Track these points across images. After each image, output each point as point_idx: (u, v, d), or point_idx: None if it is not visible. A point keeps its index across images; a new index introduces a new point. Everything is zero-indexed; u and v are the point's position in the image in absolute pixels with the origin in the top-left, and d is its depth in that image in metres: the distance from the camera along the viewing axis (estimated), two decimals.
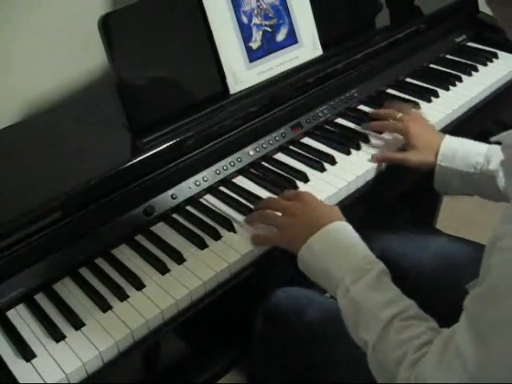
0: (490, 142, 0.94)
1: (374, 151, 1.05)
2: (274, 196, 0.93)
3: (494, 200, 0.95)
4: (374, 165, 1.02)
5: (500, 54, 1.37)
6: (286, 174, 1.00)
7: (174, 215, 0.93)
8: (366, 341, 0.68)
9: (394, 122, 1.06)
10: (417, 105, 1.18)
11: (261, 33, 1.04)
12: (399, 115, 1.05)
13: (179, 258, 0.84)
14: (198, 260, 0.84)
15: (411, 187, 1.40)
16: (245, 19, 1.02)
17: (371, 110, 1.17)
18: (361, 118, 1.15)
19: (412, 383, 0.60)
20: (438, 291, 0.93)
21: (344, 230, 0.79)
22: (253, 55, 1.03)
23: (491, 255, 0.57)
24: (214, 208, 0.94)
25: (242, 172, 1.01)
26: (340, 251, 0.76)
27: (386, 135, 1.09)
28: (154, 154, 0.90)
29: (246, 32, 1.02)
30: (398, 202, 1.57)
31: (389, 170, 1.04)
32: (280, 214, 0.86)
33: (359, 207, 1.08)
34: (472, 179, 0.94)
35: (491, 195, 0.94)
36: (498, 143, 0.68)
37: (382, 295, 0.70)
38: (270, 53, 1.06)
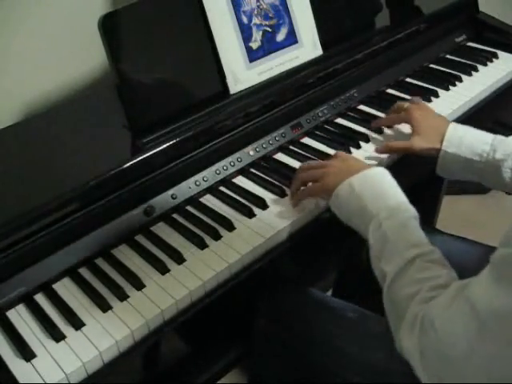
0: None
1: (374, 151, 1.05)
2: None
3: (496, 189, 0.96)
4: (374, 165, 1.01)
5: (500, 54, 1.37)
6: (286, 174, 1.00)
7: (174, 215, 0.93)
8: (386, 273, 0.70)
9: (398, 114, 1.07)
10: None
11: (261, 33, 1.04)
12: (406, 105, 1.06)
13: (179, 258, 0.84)
14: (197, 260, 0.84)
15: (411, 187, 1.40)
16: (245, 19, 1.02)
17: (371, 110, 1.18)
18: (360, 118, 1.15)
19: (419, 320, 0.61)
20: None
21: (385, 175, 0.81)
22: (253, 55, 1.03)
23: None
24: (214, 208, 0.94)
25: (242, 172, 1.01)
26: (378, 191, 0.78)
27: (387, 133, 1.09)
28: (154, 153, 0.90)
29: (245, 32, 1.02)
30: None
31: (389, 170, 1.04)
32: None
33: None
34: (476, 167, 0.93)
35: (494, 184, 0.94)
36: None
37: (411, 235, 0.72)
38: (270, 53, 1.06)
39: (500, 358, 0.54)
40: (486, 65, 1.34)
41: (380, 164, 1.02)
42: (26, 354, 0.71)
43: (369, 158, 1.03)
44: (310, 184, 0.89)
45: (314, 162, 0.93)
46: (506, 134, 0.95)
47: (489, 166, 0.92)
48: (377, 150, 1.02)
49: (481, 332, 0.55)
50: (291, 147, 1.08)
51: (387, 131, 1.10)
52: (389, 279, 0.69)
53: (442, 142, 0.95)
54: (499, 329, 0.54)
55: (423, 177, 1.38)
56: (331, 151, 1.05)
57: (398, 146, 1.01)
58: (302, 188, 0.90)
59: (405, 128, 1.09)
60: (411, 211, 0.76)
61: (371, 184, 0.79)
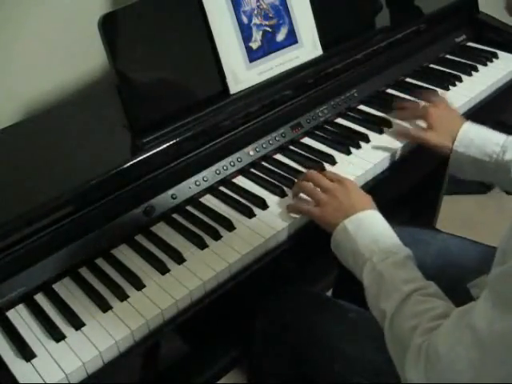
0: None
1: (374, 151, 1.05)
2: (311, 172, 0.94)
3: (510, 190, 0.96)
4: (374, 164, 1.01)
5: (500, 54, 1.37)
6: (286, 174, 1.00)
7: (174, 215, 0.93)
8: (385, 311, 0.70)
9: (415, 109, 1.09)
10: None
11: (261, 33, 1.04)
12: (423, 103, 1.08)
13: (179, 258, 0.84)
14: (197, 260, 0.84)
15: (411, 187, 1.40)
16: (245, 19, 1.02)
17: (371, 110, 1.18)
18: (360, 118, 1.15)
19: (423, 351, 0.61)
20: (441, 289, 0.93)
21: (376, 218, 0.83)
22: (253, 55, 1.03)
23: None
24: (214, 208, 0.93)
25: (242, 172, 1.01)
26: (371, 235, 0.79)
27: (386, 136, 1.09)
28: (154, 153, 0.90)
29: (245, 32, 1.02)
30: (398, 202, 1.57)
31: (389, 170, 1.05)
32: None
33: None
34: (487, 168, 0.94)
35: (507, 186, 0.95)
36: None
37: (406, 273, 0.73)
38: (270, 53, 1.06)
39: (507, 381, 0.54)
40: (485, 65, 1.34)
41: (379, 166, 1.02)
42: (26, 353, 0.71)
43: (368, 159, 1.03)
44: (305, 205, 0.90)
45: (321, 177, 0.91)
46: (507, 134, 0.95)
47: (499, 167, 0.92)
48: (397, 132, 1.05)
49: (485, 358, 0.55)
50: (291, 147, 1.08)
51: (387, 131, 1.10)
52: (389, 315, 0.69)
53: (454, 140, 0.97)
54: (503, 352, 0.54)
55: (423, 177, 1.38)
56: (331, 151, 1.05)
57: (417, 134, 1.03)
58: (301, 202, 0.91)
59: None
60: (404, 251, 0.77)
61: (364, 227, 0.80)
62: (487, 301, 0.56)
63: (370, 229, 0.80)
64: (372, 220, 0.82)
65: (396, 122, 1.11)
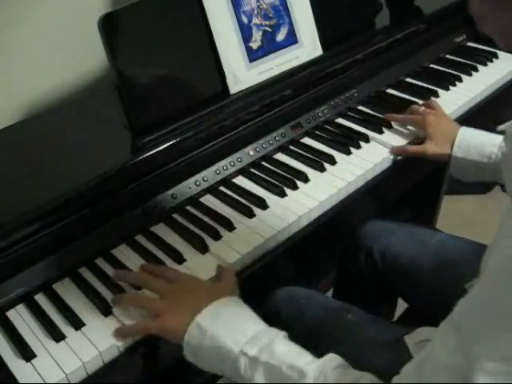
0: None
1: (374, 151, 1.05)
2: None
3: None
4: (374, 164, 1.02)
5: (500, 54, 1.37)
6: (285, 174, 1.00)
7: (174, 215, 0.93)
8: None
9: (412, 115, 1.10)
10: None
11: (261, 33, 1.04)
12: (421, 109, 1.10)
13: (179, 258, 0.84)
14: (198, 260, 0.84)
15: (411, 187, 1.40)
16: (245, 19, 1.02)
17: (371, 110, 1.18)
18: (360, 118, 1.15)
19: None
20: (437, 290, 0.94)
21: (228, 305, 0.71)
22: (253, 55, 1.03)
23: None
24: (214, 208, 0.93)
25: (242, 172, 1.01)
26: (232, 326, 0.67)
27: (386, 136, 1.09)
28: (154, 153, 0.90)
29: (246, 32, 1.02)
30: (398, 202, 1.57)
31: (389, 170, 1.05)
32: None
33: (359, 206, 1.08)
34: (487, 169, 0.97)
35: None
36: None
37: (299, 355, 0.65)
38: (270, 53, 1.06)
39: None
40: (485, 65, 1.34)
41: (379, 167, 1.03)
42: (26, 353, 0.71)
43: (379, 148, 1.05)
44: (138, 322, 0.74)
45: (154, 280, 0.76)
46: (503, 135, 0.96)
47: (499, 167, 0.93)
48: (392, 151, 1.05)
49: None
50: (291, 147, 1.08)
51: (387, 131, 1.11)
52: None
53: (452, 146, 0.99)
54: None
55: (423, 177, 1.38)
56: (331, 151, 1.05)
57: (412, 149, 1.04)
58: (131, 323, 0.74)
59: (405, 130, 1.10)
60: (277, 332, 0.67)
61: (222, 320, 0.68)
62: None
63: (227, 319, 0.68)
64: (226, 309, 0.70)
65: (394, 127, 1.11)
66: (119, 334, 0.73)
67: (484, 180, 1.00)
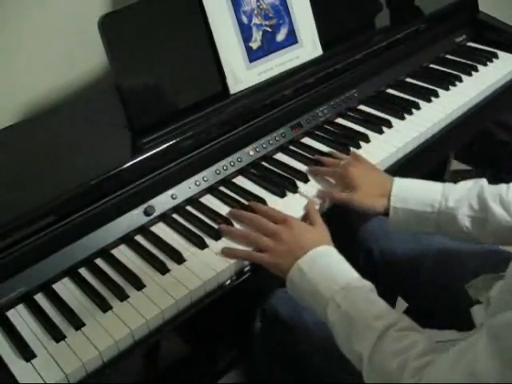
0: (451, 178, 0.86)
1: (374, 151, 1.05)
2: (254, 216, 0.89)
3: (458, 238, 0.90)
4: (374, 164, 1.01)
5: (500, 54, 1.37)
6: (285, 174, 1.00)
7: (174, 215, 0.93)
8: (361, 353, 0.67)
9: (333, 168, 0.99)
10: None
11: (261, 33, 1.04)
12: (342, 162, 0.98)
13: (179, 258, 0.84)
14: (197, 260, 0.84)
15: None
16: (245, 19, 1.02)
17: (371, 110, 1.18)
18: (360, 118, 1.15)
19: None
20: (437, 290, 0.93)
21: (329, 253, 0.79)
22: (253, 55, 1.03)
23: None
24: (214, 208, 0.93)
25: (242, 172, 1.01)
26: (327, 272, 0.75)
27: (386, 136, 1.09)
28: (154, 153, 0.90)
29: (246, 32, 1.02)
30: None
31: (389, 171, 1.04)
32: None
33: None
34: (430, 218, 0.88)
35: (454, 233, 0.88)
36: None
37: (374, 308, 0.70)
38: (270, 53, 1.06)
39: None
40: (485, 65, 1.34)
41: (389, 157, 1.01)
42: (26, 353, 0.71)
43: (379, 148, 1.03)
44: (247, 249, 0.84)
45: (266, 222, 0.85)
46: (507, 134, 0.95)
47: (443, 216, 0.86)
48: (319, 195, 0.95)
49: None
50: (291, 147, 1.08)
51: (387, 131, 1.10)
52: (366, 357, 0.66)
53: (388, 197, 0.90)
54: None
55: (424, 176, 1.38)
56: (331, 151, 1.05)
57: (339, 197, 0.93)
58: (236, 248, 0.85)
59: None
60: (365, 286, 0.73)
61: (320, 266, 0.76)
62: (487, 349, 0.53)
63: (325, 266, 0.76)
64: (326, 257, 0.78)
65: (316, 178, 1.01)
66: (229, 253, 0.83)
67: (426, 232, 0.91)
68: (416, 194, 0.89)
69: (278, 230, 0.83)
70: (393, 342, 0.65)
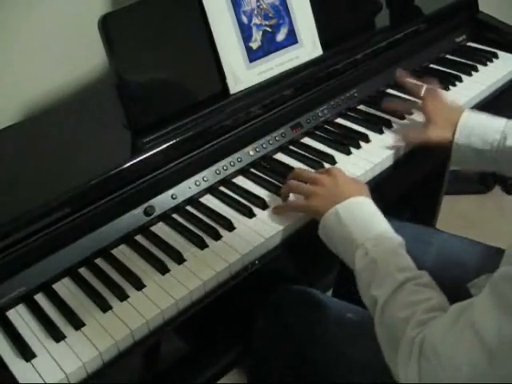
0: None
1: (374, 151, 1.05)
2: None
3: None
4: (374, 164, 1.01)
5: (500, 54, 1.37)
6: (286, 174, 1.00)
7: (174, 215, 0.93)
8: (377, 298, 0.69)
9: (411, 101, 1.08)
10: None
11: (261, 33, 1.04)
12: (422, 92, 1.06)
13: (179, 258, 0.84)
14: (198, 260, 0.84)
15: (411, 187, 1.40)
16: (245, 19, 1.02)
17: (371, 110, 1.18)
18: (360, 118, 1.15)
19: (417, 345, 0.60)
20: (440, 289, 0.93)
21: (368, 203, 0.82)
22: (253, 55, 1.03)
23: None
24: (214, 208, 0.93)
25: (242, 172, 1.01)
26: (364, 220, 0.78)
27: (386, 136, 1.09)
28: (155, 153, 0.90)
29: (246, 32, 1.02)
30: (398, 202, 1.57)
31: (389, 170, 1.05)
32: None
33: None
34: (489, 156, 0.92)
35: (509, 173, 0.93)
36: None
37: (400, 261, 0.73)
38: (270, 53, 1.06)
39: (505, 381, 0.54)
40: (485, 65, 1.34)
41: (389, 157, 1.03)
42: (26, 354, 0.71)
43: (379, 148, 1.04)
44: (294, 198, 0.90)
45: (307, 171, 0.92)
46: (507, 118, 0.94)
47: (502, 154, 0.90)
48: (397, 140, 1.03)
49: (490, 360, 0.54)
50: (291, 147, 1.08)
51: (387, 131, 1.10)
52: (380, 303, 0.68)
53: (454, 132, 0.95)
54: (510, 356, 0.53)
55: (425, 176, 1.38)
56: (331, 151, 1.05)
57: (416, 137, 1.02)
58: (288, 200, 0.90)
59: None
60: (397, 239, 0.76)
61: (357, 213, 0.79)
62: (489, 300, 0.56)
63: (362, 214, 0.79)
64: (364, 206, 0.81)
65: (394, 125, 1.10)
66: (277, 211, 0.89)
67: (483, 169, 0.97)
68: (478, 131, 0.93)
69: (322, 177, 0.87)
70: (408, 294, 0.67)
